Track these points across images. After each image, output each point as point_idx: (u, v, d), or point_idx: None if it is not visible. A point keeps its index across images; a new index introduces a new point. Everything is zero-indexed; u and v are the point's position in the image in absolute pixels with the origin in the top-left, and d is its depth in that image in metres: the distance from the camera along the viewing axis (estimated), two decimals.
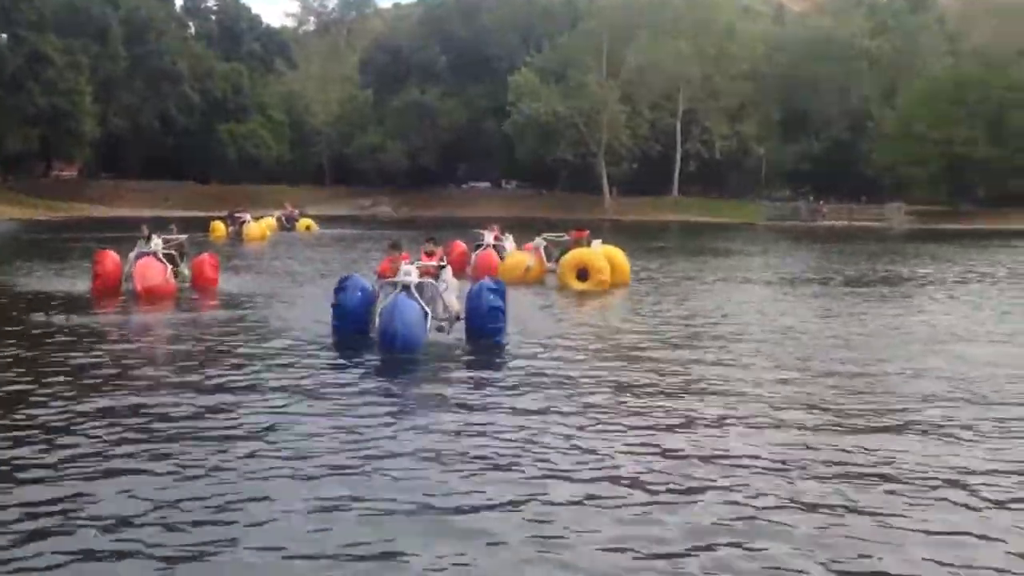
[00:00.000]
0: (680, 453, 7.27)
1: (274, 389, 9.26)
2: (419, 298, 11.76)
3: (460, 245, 23.96)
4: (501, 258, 22.91)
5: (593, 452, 7.27)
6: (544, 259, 21.62)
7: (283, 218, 44.32)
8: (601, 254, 20.40)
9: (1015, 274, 26.31)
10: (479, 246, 23.31)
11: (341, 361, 10.86)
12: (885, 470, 6.96)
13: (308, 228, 44.09)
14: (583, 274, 19.78)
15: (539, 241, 21.87)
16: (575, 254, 20.30)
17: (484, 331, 12.12)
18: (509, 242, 24.02)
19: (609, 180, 79.09)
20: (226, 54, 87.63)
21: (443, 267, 12.59)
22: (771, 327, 14.42)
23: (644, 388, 9.67)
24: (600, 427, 8.04)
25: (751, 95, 79.98)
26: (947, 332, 14.22)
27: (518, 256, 22.06)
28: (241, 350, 11.67)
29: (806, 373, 10.59)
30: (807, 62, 78.99)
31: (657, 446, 7.45)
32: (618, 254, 21.48)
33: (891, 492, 6.49)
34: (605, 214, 73.58)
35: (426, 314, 11.72)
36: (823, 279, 24.07)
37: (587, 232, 21.74)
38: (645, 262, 27.05)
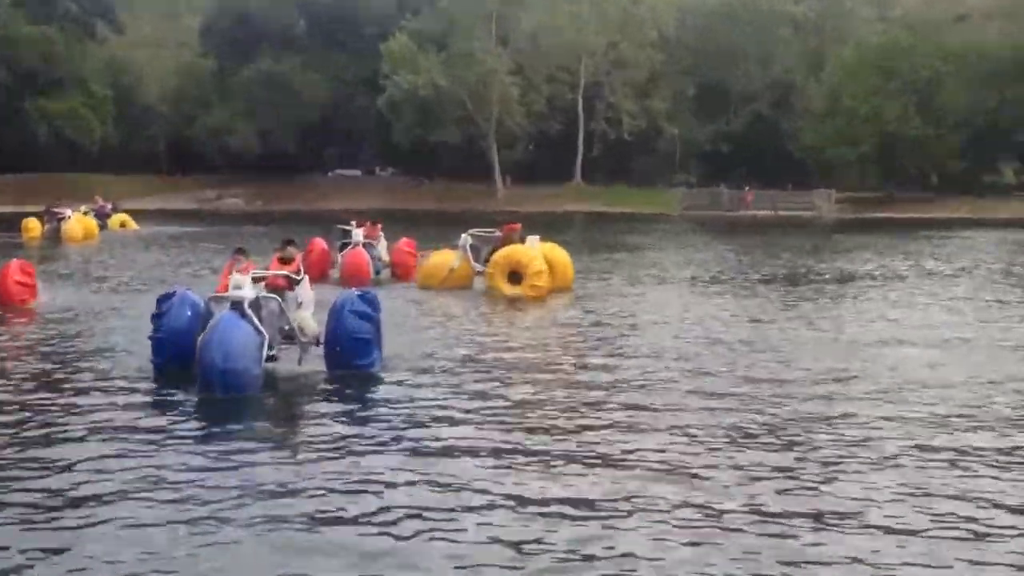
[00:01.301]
0: (588, 509, 7.07)
1: (71, 439, 8.86)
2: (255, 319, 10.83)
3: (320, 244, 23.53)
4: (373, 259, 22.77)
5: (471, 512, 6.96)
6: (471, 259, 21.42)
7: (92, 213, 42.60)
8: (538, 253, 20.37)
9: (956, 269, 27.25)
10: (345, 245, 22.99)
11: (162, 398, 10.37)
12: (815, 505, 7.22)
13: (123, 225, 43.20)
14: (515, 276, 19.77)
15: (465, 238, 21.63)
16: (507, 253, 20.13)
17: (348, 363, 11.45)
18: (381, 243, 23.82)
19: (501, 166, 79.37)
20: (35, 16, 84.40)
21: (297, 279, 11.87)
22: (694, 335, 14.86)
23: (549, 425, 9.44)
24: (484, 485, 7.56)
25: (662, 67, 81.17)
26: (887, 335, 14.91)
27: (440, 256, 21.90)
28: (40, 383, 11.28)
29: (735, 396, 10.72)
30: (724, 29, 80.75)
31: (560, 505, 7.15)
32: (559, 253, 21.56)
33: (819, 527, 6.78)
34: (497, 205, 73.73)
35: (263, 341, 10.76)
36: (748, 278, 24.55)
37: (519, 226, 21.62)
38: None
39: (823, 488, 7.56)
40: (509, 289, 19.60)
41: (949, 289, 21.99)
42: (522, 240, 20.89)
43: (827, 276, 25.17)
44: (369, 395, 10.71)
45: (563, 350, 13.75)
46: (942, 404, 10.29)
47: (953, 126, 69.74)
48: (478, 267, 21.17)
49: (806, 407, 10.15)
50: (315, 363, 11.67)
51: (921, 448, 8.67)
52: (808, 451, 8.53)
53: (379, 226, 24.36)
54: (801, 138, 74.52)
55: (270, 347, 11.15)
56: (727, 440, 8.83)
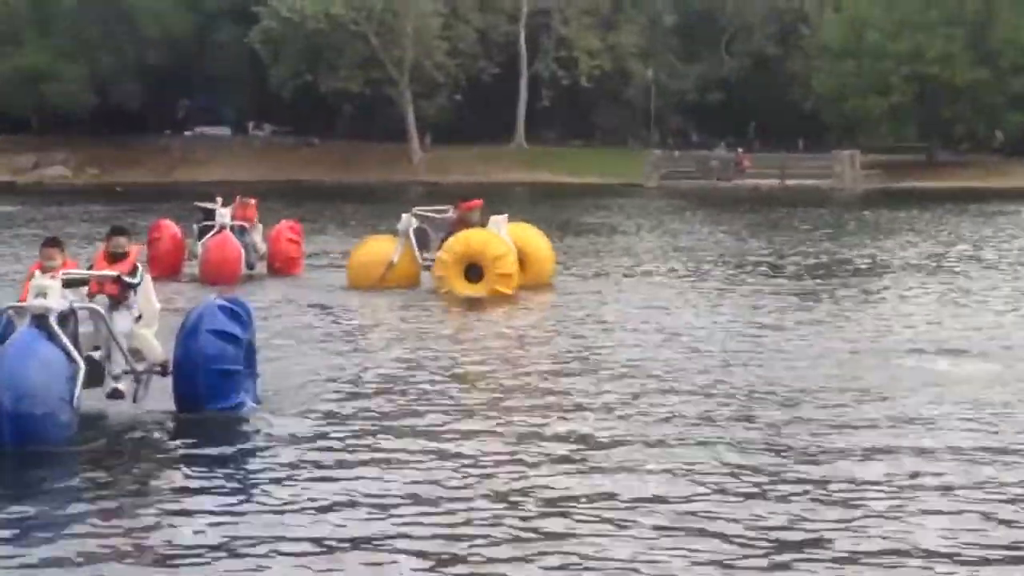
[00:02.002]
0: None
1: None
2: (64, 339, 10.38)
3: (170, 229, 23.38)
4: (245, 247, 22.66)
5: None
6: (415, 249, 21.43)
7: None
8: (505, 238, 20.48)
9: (1021, 255, 27.69)
10: (207, 230, 22.80)
11: None
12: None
13: None
14: (474, 271, 19.86)
15: (408, 220, 21.68)
16: (463, 240, 20.13)
17: (204, 404, 11.05)
18: (256, 227, 23.67)
19: (419, 122, 78.93)
20: None
21: (132, 282, 11.34)
22: (684, 346, 15.05)
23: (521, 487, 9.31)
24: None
25: None
26: (928, 345, 15.18)
27: (376, 245, 21.91)
28: None
29: (738, 421, 10.92)
30: None
31: None
32: (534, 237, 21.84)
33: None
34: (413, 173, 73.27)
35: (76, 370, 10.29)
36: (750, 270, 24.66)
37: (479, 203, 21.69)
38: None
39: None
40: (466, 288, 19.70)
41: (1012, 283, 22.24)
42: (483, 223, 20.93)
43: (851, 266, 25.44)
44: (239, 462, 10.14)
45: (530, 376, 13.60)
46: (1000, 433, 10.41)
47: (1012, 69, 70.49)
48: (426, 259, 21.26)
49: (825, 440, 10.27)
50: (160, 399, 11.35)
51: (977, 486, 8.76)
52: (832, 504, 8.59)
53: (253, 204, 24.16)
54: (814, 84, 74.60)
55: (96, 378, 10.79)
56: (731, 493, 8.90)
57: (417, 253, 21.37)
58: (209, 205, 23.57)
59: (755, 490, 8.93)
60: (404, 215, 21.86)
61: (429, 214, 22.34)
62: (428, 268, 21.06)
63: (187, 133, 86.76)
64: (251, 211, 23.86)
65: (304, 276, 23.49)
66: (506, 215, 21.68)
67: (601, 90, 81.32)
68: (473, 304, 19.18)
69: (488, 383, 13.23)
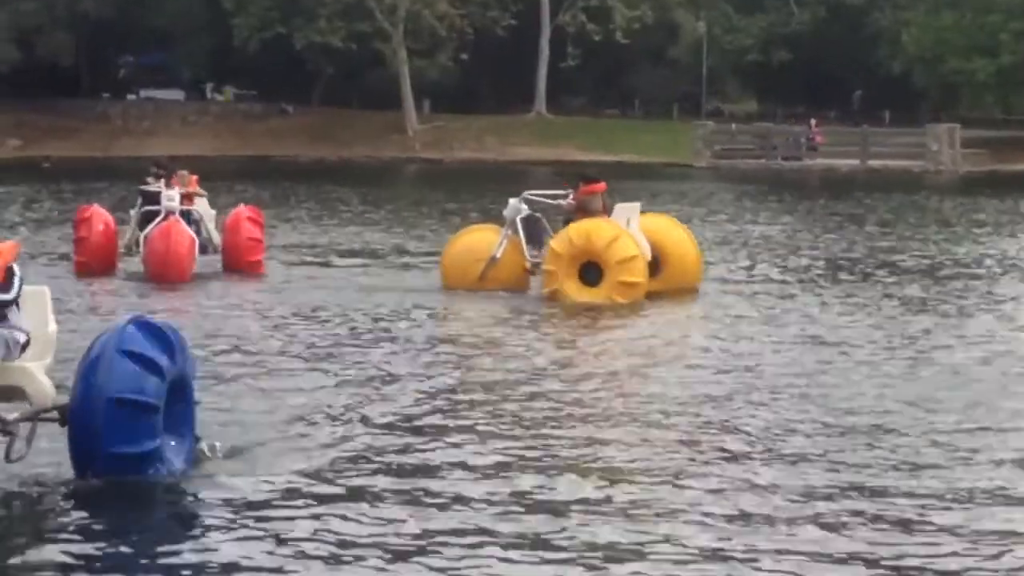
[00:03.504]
0: None
1: None
2: None
3: (100, 214, 23.29)
4: (199, 234, 22.81)
5: None
6: (523, 244, 21.36)
7: None
8: (636, 231, 20.66)
9: None
10: (148, 215, 22.79)
11: None
12: None
13: None
14: (592, 271, 19.72)
15: (516, 206, 21.63)
16: (580, 231, 20.03)
17: (107, 453, 10.21)
18: (204, 211, 23.64)
19: (416, 86, 78.92)
20: None
21: (6, 299, 10.61)
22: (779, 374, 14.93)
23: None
24: None
25: None
26: None
27: (474, 236, 22.03)
28: None
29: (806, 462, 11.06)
30: None
31: None
32: (674, 230, 22.01)
33: None
34: (409, 149, 73.59)
35: None
36: (824, 270, 24.93)
37: (603, 186, 21.66)
38: None
39: None
40: (581, 293, 19.66)
41: None
42: (607, 210, 20.81)
43: (948, 268, 25.55)
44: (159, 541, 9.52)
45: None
46: None
47: None
48: (534, 256, 21.20)
49: (911, 482, 10.44)
50: (53, 452, 10.61)
51: None
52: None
53: (194, 180, 24.12)
54: (905, 41, 74.51)
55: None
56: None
57: (526, 248, 21.32)
58: (148, 186, 23.53)
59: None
60: (512, 200, 21.73)
61: (544, 199, 22.35)
62: (535, 268, 21.00)
63: (130, 97, 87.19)
64: (192, 188, 23.93)
65: (266, 275, 23.41)
66: (639, 203, 21.83)
67: (641, 48, 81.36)
68: (587, 314, 18.92)
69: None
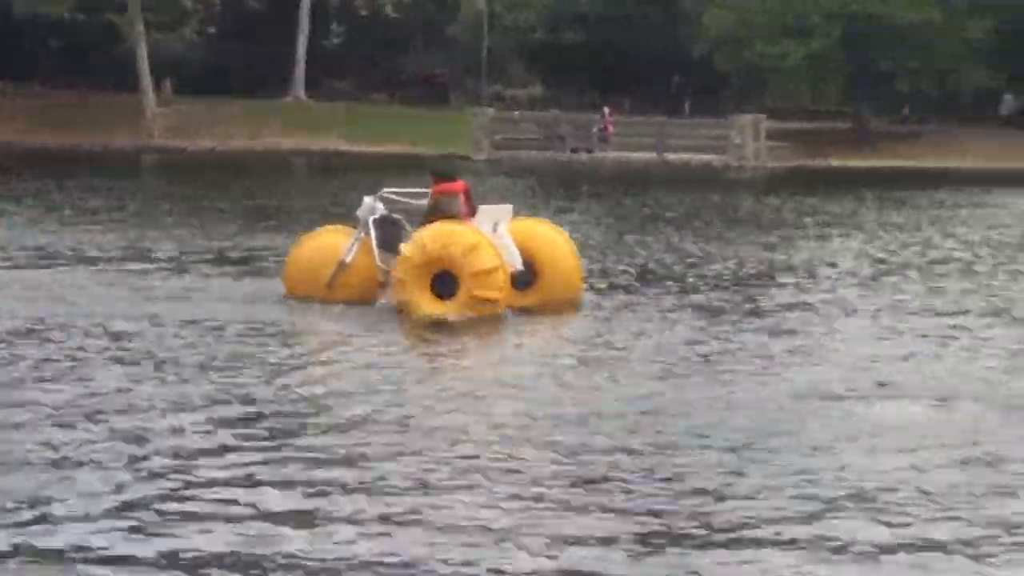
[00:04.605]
0: None
1: None
2: None
3: None
4: None
5: None
6: (375, 249, 21.24)
7: None
8: (504, 237, 20.70)
9: (997, 258, 28.69)
10: None
11: None
12: None
13: None
14: (447, 282, 19.72)
15: (371, 205, 21.51)
16: (436, 236, 19.94)
17: None
18: None
19: (156, 64, 78.54)
20: None
21: None
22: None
23: None
24: None
25: None
26: (865, 383, 16.05)
27: (325, 238, 21.78)
28: None
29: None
30: None
31: None
32: (548, 234, 22.08)
33: None
34: (146, 136, 74.08)
35: None
36: (624, 281, 25.19)
37: (463, 185, 21.49)
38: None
39: None
40: (434, 306, 19.70)
41: (988, 298, 23.14)
42: (471, 211, 20.94)
43: (759, 279, 26.02)
44: None
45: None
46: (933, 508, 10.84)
47: (970, 8, 72.61)
48: (382, 263, 21.10)
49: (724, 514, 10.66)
50: None
51: None
52: None
53: None
54: (706, 22, 76.49)
55: None
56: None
57: (377, 254, 21.16)
58: None
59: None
60: (367, 198, 21.60)
61: (401, 199, 22.41)
62: (388, 277, 20.75)
63: None
64: None
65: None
66: (510, 206, 21.96)
67: (414, 24, 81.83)
68: (438, 329, 18.90)
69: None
